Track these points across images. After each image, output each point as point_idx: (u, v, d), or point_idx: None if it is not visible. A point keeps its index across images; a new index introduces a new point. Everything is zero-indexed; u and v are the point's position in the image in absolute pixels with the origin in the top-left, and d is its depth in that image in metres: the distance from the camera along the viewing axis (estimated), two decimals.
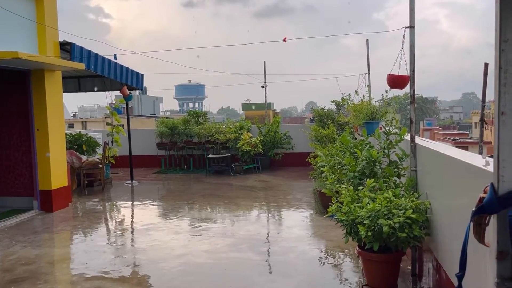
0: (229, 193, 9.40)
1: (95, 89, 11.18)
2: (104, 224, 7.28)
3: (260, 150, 12.10)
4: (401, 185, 4.24)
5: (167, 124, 12.98)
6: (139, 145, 13.52)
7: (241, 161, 12.18)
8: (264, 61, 15.00)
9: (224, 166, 12.12)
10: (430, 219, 3.68)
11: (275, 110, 33.53)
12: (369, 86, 9.77)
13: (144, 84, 11.19)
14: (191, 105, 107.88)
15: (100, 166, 9.99)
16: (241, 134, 12.40)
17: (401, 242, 3.54)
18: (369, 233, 3.54)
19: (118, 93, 11.02)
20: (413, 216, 3.51)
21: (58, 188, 7.97)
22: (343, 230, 3.98)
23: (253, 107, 28.95)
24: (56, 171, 7.93)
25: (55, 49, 7.81)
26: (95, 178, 10.11)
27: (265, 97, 15.27)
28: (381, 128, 5.77)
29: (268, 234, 6.23)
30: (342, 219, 3.87)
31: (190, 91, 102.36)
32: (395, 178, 4.42)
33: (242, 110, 36.03)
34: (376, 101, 8.92)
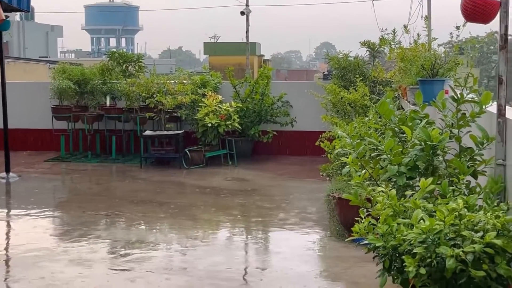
0: (180, 199, 9.43)
1: None
2: None
3: (237, 125, 12.13)
4: (478, 189, 4.32)
5: (71, 75, 12.87)
6: (22, 112, 13.39)
7: (202, 144, 12.20)
8: None
9: (171, 152, 12.11)
10: None
11: (263, 56, 33.67)
12: (428, 18, 9.85)
13: (31, 3, 10.99)
14: (113, 42, 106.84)
15: None
16: (203, 96, 12.39)
17: (475, 286, 3.63)
18: (423, 270, 3.61)
19: None
20: (498, 242, 3.59)
21: None
22: (377, 264, 4.05)
23: (225, 50, 28.92)
24: None
25: None
26: None
27: (247, 32, 15.23)
28: (447, 92, 5.82)
29: (246, 271, 6.29)
30: (377, 245, 3.93)
31: (113, 18, 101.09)
32: (469, 177, 4.50)
33: (204, 54, 35.88)
34: (439, 45, 9.03)
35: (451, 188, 4.29)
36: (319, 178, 9.47)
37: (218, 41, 34.67)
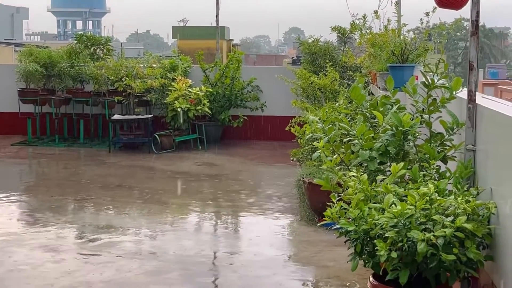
0: (149, 183, 9.40)
1: None
2: None
3: (207, 110, 12.08)
4: (448, 174, 4.37)
5: (38, 58, 12.67)
6: None
7: (172, 128, 12.14)
8: None
9: (140, 136, 12.02)
10: (496, 233, 3.82)
11: (232, 40, 33.56)
12: (398, 4, 9.88)
13: None
14: (79, 25, 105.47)
15: None
16: (173, 80, 12.30)
17: (446, 269, 3.67)
18: (394, 254, 3.64)
19: None
20: (468, 226, 3.64)
21: None
22: (348, 248, 4.07)
23: (194, 34, 28.76)
24: None
25: None
26: None
27: (217, 15, 15.12)
28: (417, 77, 5.85)
29: (215, 255, 6.31)
30: (349, 230, 3.95)
31: (79, 0, 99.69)
32: (440, 163, 4.55)
33: (173, 38, 35.68)
34: (408, 31, 9.06)
35: (421, 173, 4.32)
36: (290, 163, 9.49)
37: (186, 25, 34.45)
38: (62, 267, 5.70)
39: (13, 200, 8.43)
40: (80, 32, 15.07)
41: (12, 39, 50.22)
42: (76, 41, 13.42)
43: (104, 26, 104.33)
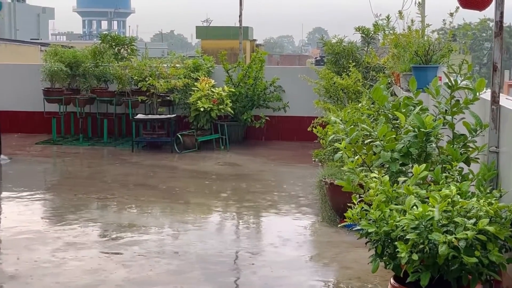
0: (172, 183, 9.43)
1: None
2: None
3: (229, 110, 12.11)
4: (471, 176, 4.33)
5: (63, 58, 12.79)
6: (13, 94, 13.35)
7: (195, 128, 12.18)
8: None
9: (163, 136, 12.08)
10: None
11: (255, 41, 33.55)
12: (421, 4, 9.82)
13: None
14: (105, 25, 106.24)
15: None
16: (196, 80, 12.34)
17: (467, 272, 3.65)
18: (415, 256, 3.62)
19: None
20: (490, 229, 3.60)
21: None
22: (369, 250, 4.06)
23: (217, 34, 28.80)
24: None
25: None
26: None
27: (240, 15, 15.15)
28: (440, 78, 5.81)
29: (237, 255, 6.32)
30: (370, 231, 3.94)
31: (105, 1, 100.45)
32: (462, 164, 4.52)
33: (197, 38, 35.77)
34: (433, 32, 9.00)
35: (444, 174, 4.30)
36: (311, 164, 9.47)
37: (210, 25, 34.55)
38: (84, 265, 5.75)
39: (37, 198, 8.50)
40: (104, 32, 15.16)
41: (38, 39, 50.74)
42: (100, 41, 13.52)
43: (129, 26, 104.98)
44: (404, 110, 4.90)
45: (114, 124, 12.99)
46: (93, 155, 11.67)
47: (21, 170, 10.44)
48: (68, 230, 6.89)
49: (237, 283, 5.57)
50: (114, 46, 13.40)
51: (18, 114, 13.61)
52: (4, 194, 8.82)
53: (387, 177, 4.25)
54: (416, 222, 3.70)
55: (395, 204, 4.04)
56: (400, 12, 8.89)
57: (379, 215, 3.95)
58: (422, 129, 4.46)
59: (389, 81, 9.21)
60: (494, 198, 3.91)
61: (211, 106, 11.80)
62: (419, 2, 9.82)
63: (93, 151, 12.03)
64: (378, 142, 4.69)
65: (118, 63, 12.76)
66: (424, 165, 4.21)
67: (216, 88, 12.10)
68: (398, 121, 4.89)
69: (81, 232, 6.82)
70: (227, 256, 6.19)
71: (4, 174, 10.28)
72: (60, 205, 8.12)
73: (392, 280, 4.05)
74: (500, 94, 4.32)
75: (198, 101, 11.80)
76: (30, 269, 5.64)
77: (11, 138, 12.64)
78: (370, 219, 4.01)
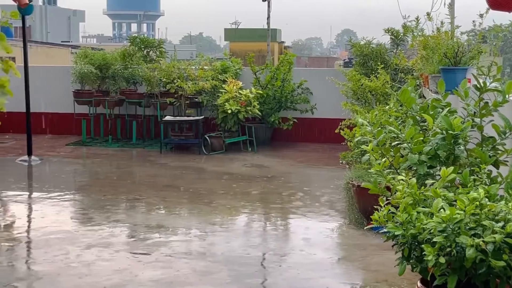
0: (199, 184, 9.48)
1: None
2: None
3: (257, 112, 12.13)
4: (500, 179, 4.29)
5: (93, 60, 12.93)
6: (44, 95, 13.50)
7: (222, 130, 12.23)
8: None
9: (191, 137, 12.15)
10: None
11: (283, 43, 33.58)
12: (451, 6, 9.76)
13: None
14: (134, 27, 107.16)
15: None
16: (224, 82, 12.39)
17: (495, 275, 3.61)
18: (442, 259, 3.60)
19: (7, 0, 10.90)
20: None
21: None
22: (396, 252, 4.05)
23: (246, 36, 28.89)
24: None
25: None
26: None
27: (268, 17, 15.19)
28: (470, 81, 5.76)
29: (264, 257, 6.33)
30: (397, 234, 3.92)
31: (134, 4, 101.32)
32: (491, 167, 4.47)
33: (225, 40, 35.94)
34: (462, 33, 8.93)
35: (472, 177, 4.26)
36: (339, 166, 9.46)
37: (238, 27, 34.64)
38: (113, 265, 5.80)
39: (67, 199, 8.61)
40: (134, 35, 15.31)
41: (69, 41, 51.36)
42: (130, 44, 13.64)
43: (158, 28, 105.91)
44: (432, 112, 4.86)
45: (142, 125, 13.09)
46: (122, 157, 11.78)
47: (52, 171, 10.59)
48: (97, 230, 6.97)
49: (264, 284, 5.58)
50: (143, 49, 13.51)
51: (49, 116, 13.80)
52: (35, 194, 8.94)
53: (414, 180, 4.23)
54: (444, 225, 3.68)
55: (423, 207, 4.02)
56: (429, 14, 8.85)
57: (406, 218, 3.93)
58: (450, 131, 4.43)
59: (418, 83, 9.16)
60: None
61: (239, 108, 11.83)
62: (449, 4, 9.76)
63: (122, 152, 12.14)
64: (405, 144, 4.67)
65: (147, 65, 12.86)
66: (452, 168, 4.18)
67: (244, 90, 12.13)
68: (426, 123, 4.86)
69: (109, 232, 6.89)
70: (254, 258, 6.20)
71: (35, 174, 10.44)
72: (89, 206, 8.21)
73: (419, 283, 4.03)
74: None
75: (226, 103, 11.84)
76: (60, 268, 5.71)
77: (42, 139, 12.82)
78: (397, 222, 3.99)
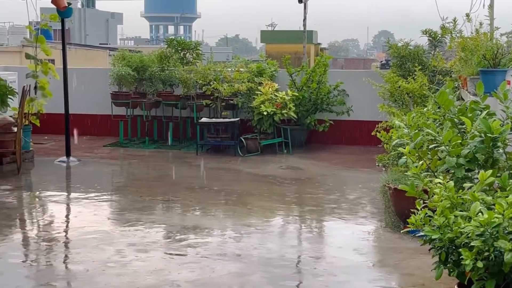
0: (235, 186, 9.51)
1: None
2: (19, 230, 7.45)
3: (292, 114, 12.12)
4: None
5: (130, 62, 13.06)
6: (82, 97, 13.64)
7: (258, 132, 12.25)
8: None
9: (227, 139, 12.19)
10: None
11: (319, 44, 33.48)
12: (491, 6, 9.62)
13: None
14: (171, 29, 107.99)
15: (15, 130, 10.17)
16: (259, 84, 12.41)
17: None
18: (480, 264, 3.56)
19: (47, 2, 11.06)
20: None
21: None
22: (433, 256, 4.01)
23: (282, 38, 28.88)
24: None
25: None
26: (6, 150, 10.31)
27: (304, 20, 15.16)
28: (509, 83, 5.68)
29: (299, 259, 6.32)
30: (434, 237, 3.89)
31: (171, 6, 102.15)
32: None
33: (261, 42, 35.97)
34: (502, 35, 8.80)
35: (511, 181, 4.20)
36: (375, 169, 9.38)
37: (274, 29, 34.66)
38: (149, 266, 5.84)
39: (105, 200, 8.71)
40: (171, 37, 15.41)
41: (107, 44, 52.01)
42: (167, 46, 13.73)
43: (195, 30, 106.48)
44: (471, 114, 4.81)
45: (179, 127, 13.18)
46: (158, 158, 11.87)
47: (89, 172, 10.71)
48: (133, 230, 7.03)
49: (299, 287, 5.57)
50: (180, 51, 13.59)
51: (87, 117, 13.95)
52: (73, 195, 9.07)
53: (452, 183, 4.19)
54: (482, 229, 3.64)
55: (460, 211, 3.98)
56: (467, 15, 8.75)
57: (443, 222, 3.89)
58: (489, 134, 4.38)
59: (456, 85, 9.06)
60: None
61: (274, 110, 11.83)
62: (488, 5, 9.63)
63: (158, 153, 12.23)
64: (443, 147, 4.62)
65: (183, 67, 12.96)
66: (490, 171, 4.13)
67: (280, 92, 12.13)
68: (464, 126, 4.80)
69: (146, 233, 6.94)
70: (289, 260, 6.19)
71: (73, 175, 10.59)
72: (126, 206, 8.29)
73: None
74: None
75: (262, 105, 11.86)
76: (96, 268, 5.77)
77: (80, 140, 12.97)
78: (434, 225, 3.96)
